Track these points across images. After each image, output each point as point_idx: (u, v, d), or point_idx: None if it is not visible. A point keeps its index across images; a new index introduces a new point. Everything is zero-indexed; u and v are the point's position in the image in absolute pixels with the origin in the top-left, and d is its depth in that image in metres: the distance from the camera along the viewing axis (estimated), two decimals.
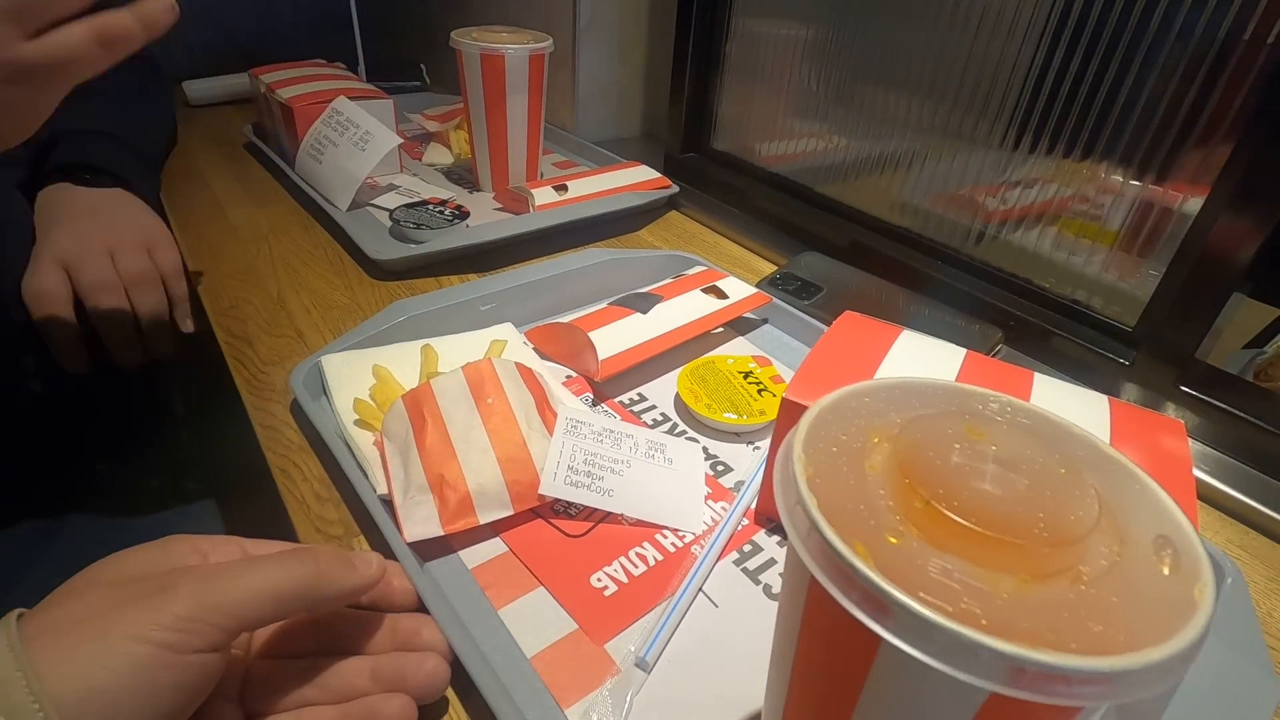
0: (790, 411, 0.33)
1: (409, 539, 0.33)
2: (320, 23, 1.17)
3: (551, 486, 0.36)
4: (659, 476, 0.39)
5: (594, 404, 0.46)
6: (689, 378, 0.46)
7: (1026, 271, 0.57)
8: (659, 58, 0.91)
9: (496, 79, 0.68)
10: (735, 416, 0.43)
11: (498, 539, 0.36)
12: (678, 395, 0.46)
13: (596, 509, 0.37)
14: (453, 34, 0.68)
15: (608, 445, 0.39)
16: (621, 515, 0.37)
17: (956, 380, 0.34)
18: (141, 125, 0.73)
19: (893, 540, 0.17)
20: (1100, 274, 0.52)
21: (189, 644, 0.22)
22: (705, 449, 0.42)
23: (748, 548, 0.37)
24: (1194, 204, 0.46)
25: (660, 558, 0.35)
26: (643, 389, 0.48)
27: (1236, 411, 0.45)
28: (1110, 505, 0.18)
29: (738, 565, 0.36)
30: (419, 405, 0.37)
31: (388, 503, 0.35)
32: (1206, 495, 0.44)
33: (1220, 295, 0.45)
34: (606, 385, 0.47)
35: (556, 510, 0.37)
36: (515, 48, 0.67)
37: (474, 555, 0.35)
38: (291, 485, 0.40)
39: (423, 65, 1.12)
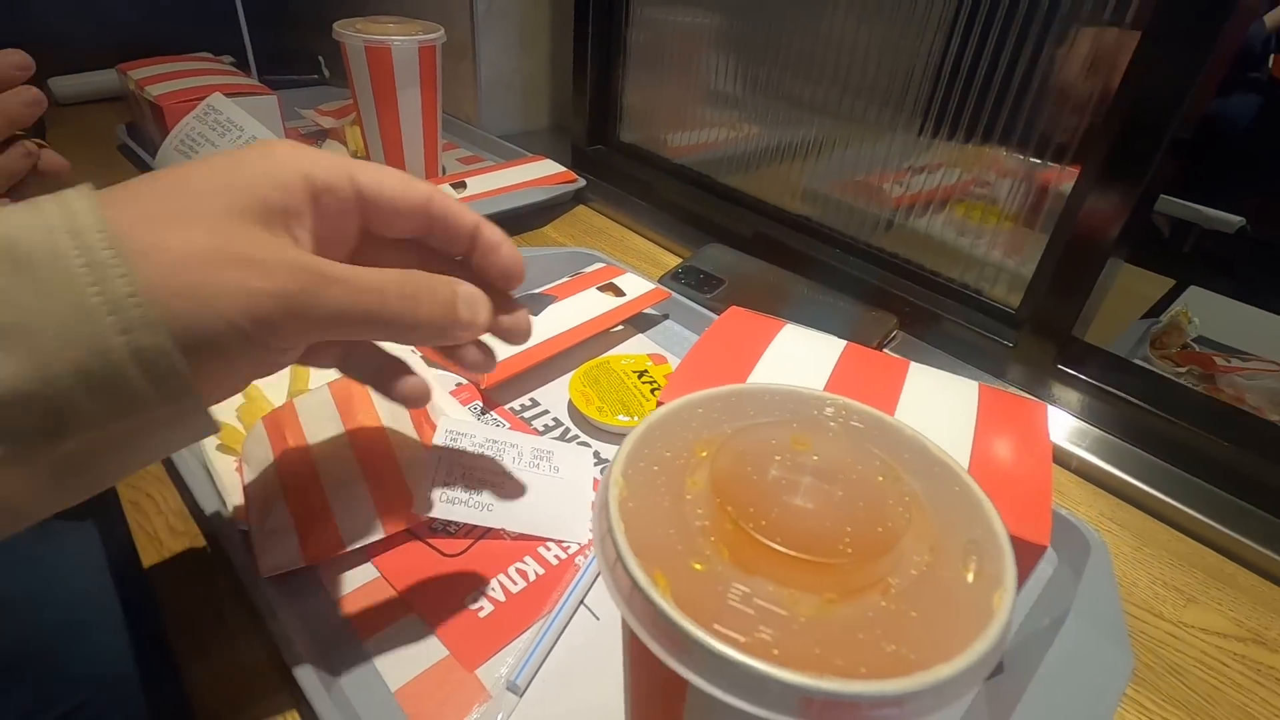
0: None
1: (264, 572, 0.31)
2: (208, 12, 1.10)
3: (424, 506, 0.34)
4: (543, 487, 0.37)
5: (483, 412, 0.44)
6: (581, 380, 0.45)
7: (922, 257, 0.58)
8: (564, 47, 0.89)
9: (384, 72, 0.65)
10: (628, 419, 0.42)
11: (369, 564, 0.34)
12: (570, 400, 0.45)
13: (476, 525, 0.36)
14: (335, 25, 0.65)
15: (489, 457, 0.37)
16: (502, 531, 0.36)
17: (832, 374, 0.34)
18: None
19: (698, 567, 0.16)
20: (989, 255, 0.54)
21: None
22: (596, 454, 0.41)
23: None
24: (1069, 182, 0.47)
25: (542, 572, 0.34)
26: (535, 394, 0.46)
27: (1110, 388, 0.47)
28: (929, 511, 0.18)
29: None
30: (280, 426, 0.35)
31: (246, 538, 0.33)
32: (1084, 471, 0.46)
33: (1093, 268, 0.46)
34: (496, 392, 0.46)
35: (434, 529, 0.36)
36: (402, 39, 0.64)
37: (342, 584, 0.33)
38: (143, 519, 0.37)
39: (321, 57, 1.06)
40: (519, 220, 0.69)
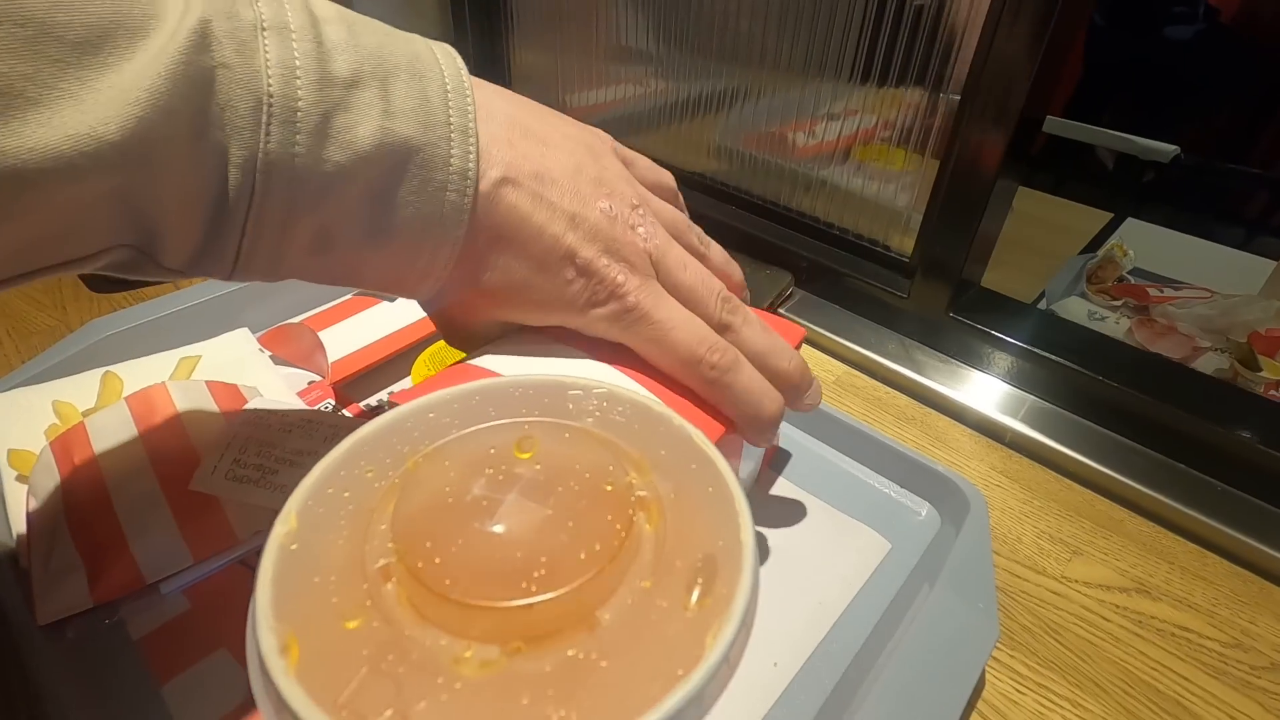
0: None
1: (43, 620, 0.27)
2: None
3: (208, 481, 0.30)
4: None
5: (334, 410, 0.41)
6: (426, 365, 0.41)
7: (825, 212, 0.55)
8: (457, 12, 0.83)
9: None
10: None
11: (181, 595, 0.31)
12: (413, 385, 0.41)
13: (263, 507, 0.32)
14: None
15: (296, 436, 0.33)
16: None
17: None
18: None
19: (352, 624, 0.13)
20: (887, 201, 0.51)
21: None
22: None
23: None
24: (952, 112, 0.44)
25: None
26: (394, 388, 0.43)
27: (1001, 335, 0.45)
28: (671, 521, 0.15)
29: None
30: (69, 451, 0.31)
31: (27, 578, 0.29)
32: (979, 424, 0.44)
33: (978, 198, 0.44)
34: (350, 389, 0.42)
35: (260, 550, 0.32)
36: None
37: (145, 621, 0.29)
38: None
39: None
40: None
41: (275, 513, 0.15)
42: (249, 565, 0.32)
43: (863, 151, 0.51)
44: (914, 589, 0.32)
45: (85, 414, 0.36)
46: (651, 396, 0.18)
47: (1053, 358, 0.43)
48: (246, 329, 0.45)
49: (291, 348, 0.44)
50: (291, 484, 0.30)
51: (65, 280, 0.52)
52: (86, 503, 0.30)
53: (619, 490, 0.15)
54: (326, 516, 0.15)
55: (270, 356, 0.43)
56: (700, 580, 0.14)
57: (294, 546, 0.14)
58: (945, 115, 0.45)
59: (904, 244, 0.51)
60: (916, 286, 0.48)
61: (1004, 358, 0.46)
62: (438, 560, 0.13)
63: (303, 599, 0.13)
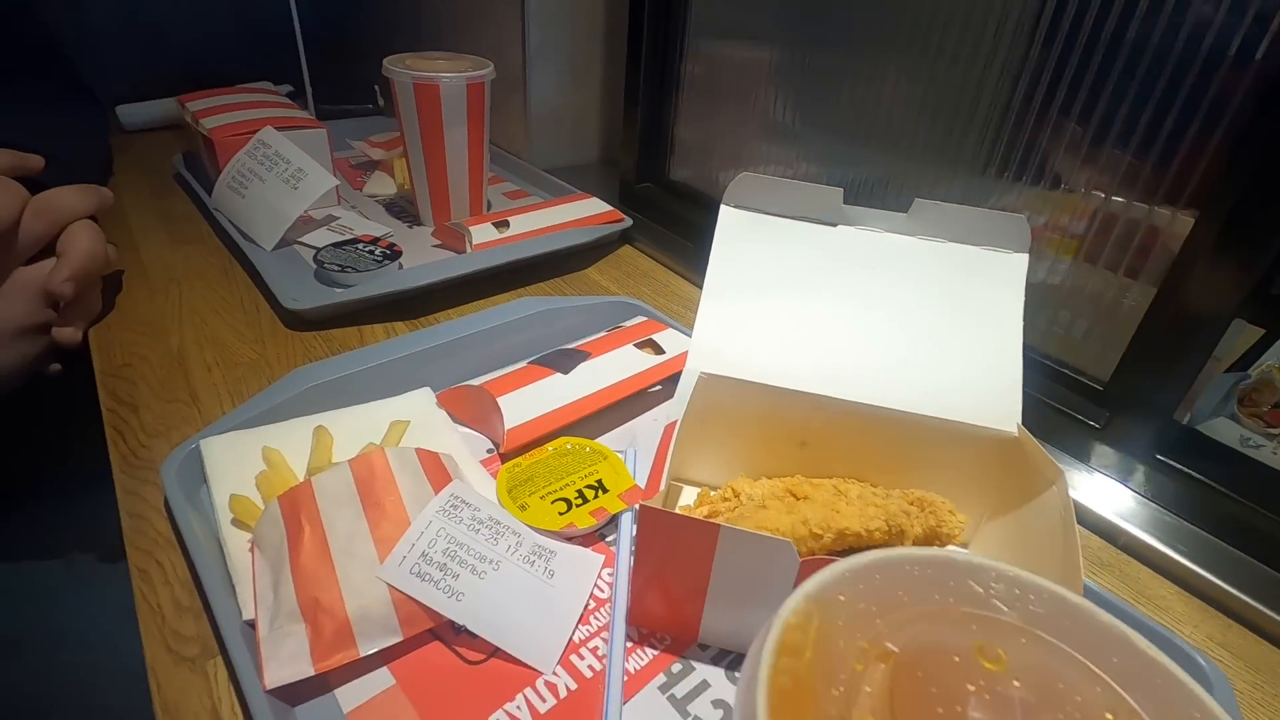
0: (651, 521, 0.29)
1: (270, 684, 0.28)
2: (266, 39, 1.12)
3: (393, 572, 0.31)
4: (528, 589, 0.33)
5: None
6: (507, 478, 0.40)
7: None
8: (616, 81, 0.87)
9: (432, 109, 0.64)
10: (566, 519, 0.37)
11: (384, 669, 0.31)
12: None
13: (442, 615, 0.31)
14: (385, 61, 0.64)
15: (483, 538, 0.34)
16: (465, 629, 0.32)
17: None
18: (70, 151, 0.68)
19: None
20: (1072, 318, 0.48)
21: None
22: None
23: (677, 668, 0.32)
24: (1180, 233, 0.42)
25: (574, 687, 0.31)
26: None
27: (1219, 486, 0.42)
28: None
29: (664, 691, 0.31)
30: (296, 509, 0.33)
31: (253, 628, 0.30)
32: (1184, 579, 0.40)
33: (1206, 338, 0.41)
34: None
35: (457, 629, 0.32)
36: (451, 76, 0.62)
37: (353, 693, 0.30)
38: (149, 589, 0.34)
39: (376, 87, 1.07)
40: (561, 262, 0.67)
41: None
42: (444, 640, 0.32)
43: (1052, 246, 0.49)
44: None
45: (308, 471, 0.38)
46: (1055, 583, 0.17)
47: None
48: (429, 388, 0.46)
49: (469, 410, 0.45)
50: (469, 593, 0.31)
51: (264, 315, 0.56)
52: (310, 566, 0.31)
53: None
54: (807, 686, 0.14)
55: (448, 415, 0.45)
56: None
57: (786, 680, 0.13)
58: (1167, 232, 0.42)
59: (1097, 368, 0.48)
60: (1115, 419, 0.45)
61: (1224, 513, 0.42)
62: None
63: None
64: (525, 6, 0.78)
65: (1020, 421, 0.35)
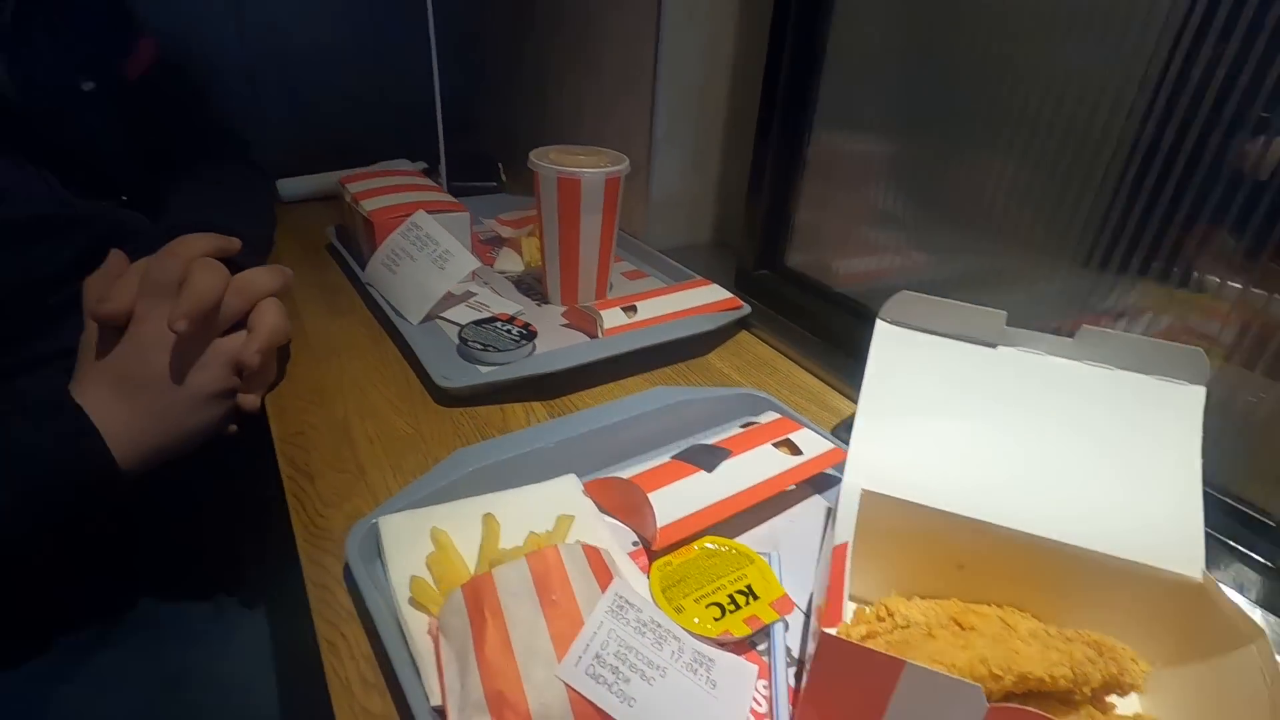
0: (833, 651, 0.29)
1: None
2: (405, 117, 1.22)
3: (571, 672, 0.32)
4: (693, 699, 0.33)
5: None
6: (659, 577, 0.41)
7: None
8: (733, 167, 0.91)
9: (572, 200, 0.68)
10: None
11: None
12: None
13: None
14: (531, 155, 0.69)
15: (649, 642, 0.35)
16: None
17: None
18: (254, 228, 0.76)
19: None
20: (1229, 440, 0.46)
21: None
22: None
23: None
24: None
25: None
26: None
27: None
28: None
29: None
30: (479, 599, 0.35)
31: (441, 715, 0.32)
32: None
33: None
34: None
35: None
36: (592, 172, 0.67)
37: None
38: (338, 662, 0.37)
39: (500, 164, 1.15)
40: (684, 346, 0.69)
41: None
42: None
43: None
44: None
45: (480, 557, 0.41)
46: None
47: None
48: (574, 475, 0.49)
49: (618, 502, 0.47)
50: (640, 699, 0.32)
51: (414, 388, 0.60)
52: (495, 659, 0.33)
53: None
54: None
55: (595, 504, 0.47)
56: None
57: None
58: None
59: (1268, 500, 0.45)
60: None
61: None
62: None
63: None
64: (655, 99, 0.84)
65: (1204, 566, 0.34)
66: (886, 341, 0.41)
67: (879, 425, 0.40)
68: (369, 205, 0.76)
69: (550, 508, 0.45)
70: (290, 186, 1.04)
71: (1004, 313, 0.39)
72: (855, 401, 0.62)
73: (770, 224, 0.79)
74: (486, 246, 0.89)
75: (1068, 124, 0.50)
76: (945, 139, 0.60)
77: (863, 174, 0.69)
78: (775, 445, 0.50)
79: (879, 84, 0.66)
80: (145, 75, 0.77)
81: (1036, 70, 0.51)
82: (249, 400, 0.56)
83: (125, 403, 0.51)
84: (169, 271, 0.52)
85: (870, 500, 0.37)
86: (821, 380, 0.67)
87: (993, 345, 0.40)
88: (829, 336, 0.71)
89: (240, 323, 0.56)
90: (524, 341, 0.64)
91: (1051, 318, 0.54)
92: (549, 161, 0.68)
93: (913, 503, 0.37)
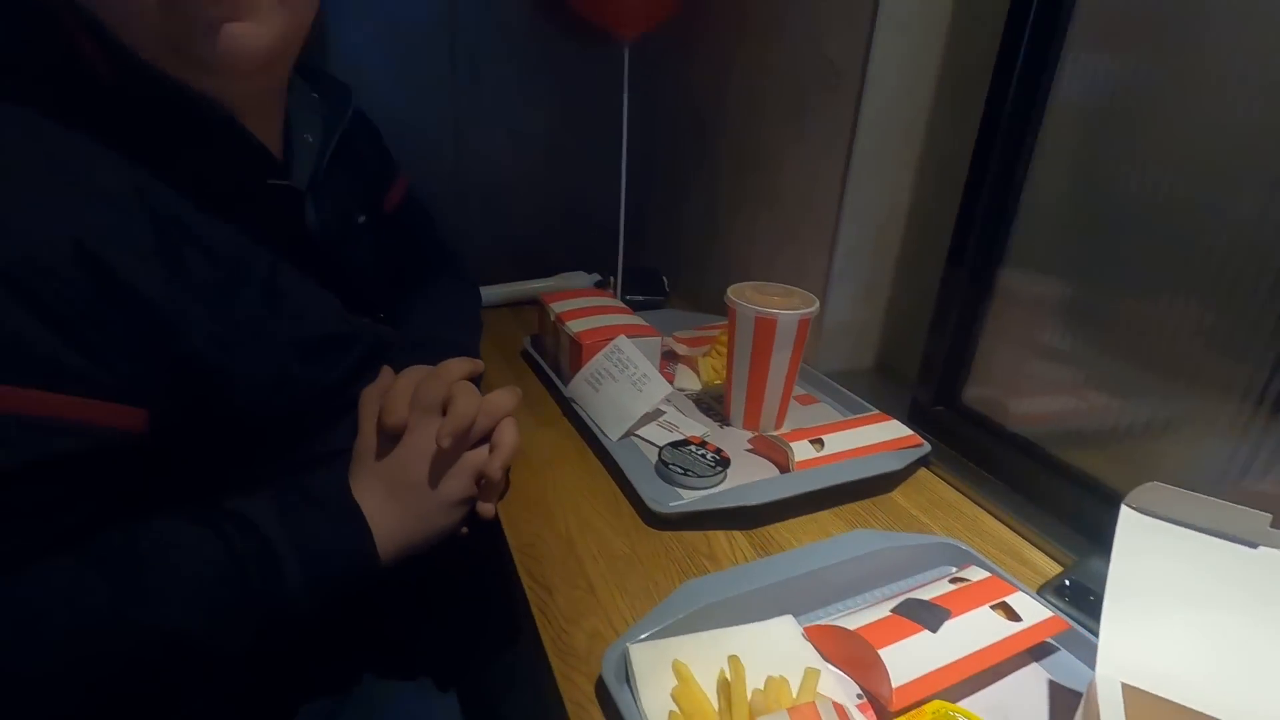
0: None
1: None
2: (584, 231, 1.35)
3: None
4: None
5: None
6: None
7: None
8: (901, 297, 0.95)
9: (766, 338, 0.74)
10: None
11: None
12: None
13: None
14: (729, 292, 0.76)
15: None
16: None
17: None
18: (473, 337, 0.87)
19: None
20: None
21: None
22: None
23: None
24: None
25: None
26: None
27: None
28: None
29: None
30: None
31: None
32: None
33: None
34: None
35: None
36: (788, 313, 0.73)
37: None
38: None
39: (665, 277, 1.24)
40: (869, 482, 0.71)
41: None
42: None
43: None
44: None
45: (730, 699, 0.44)
46: None
47: None
48: (791, 616, 0.52)
49: (841, 653, 0.49)
50: None
51: (621, 506, 0.66)
52: None
53: None
54: None
55: (816, 651, 0.49)
56: None
57: None
58: None
59: None
60: None
61: None
62: None
63: None
64: (836, 236, 0.90)
65: None
66: (1133, 529, 0.42)
67: (1129, 617, 0.40)
68: (575, 326, 0.85)
69: (775, 649, 0.48)
70: (488, 294, 1.17)
71: (1269, 515, 0.39)
72: (1049, 556, 0.62)
73: (950, 361, 0.81)
74: (663, 362, 0.96)
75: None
76: (1131, 282, 0.62)
77: (1047, 313, 0.71)
78: (993, 608, 0.51)
79: (1068, 233, 0.68)
80: (397, 207, 0.91)
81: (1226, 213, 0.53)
82: (486, 509, 0.63)
83: (396, 503, 0.59)
84: (435, 393, 0.61)
85: (1137, 698, 0.38)
86: (1008, 526, 0.67)
87: (1254, 545, 0.40)
88: (1009, 479, 0.71)
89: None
90: (719, 468, 0.68)
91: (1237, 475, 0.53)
92: (746, 300, 0.74)
93: (1182, 705, 0.37)
